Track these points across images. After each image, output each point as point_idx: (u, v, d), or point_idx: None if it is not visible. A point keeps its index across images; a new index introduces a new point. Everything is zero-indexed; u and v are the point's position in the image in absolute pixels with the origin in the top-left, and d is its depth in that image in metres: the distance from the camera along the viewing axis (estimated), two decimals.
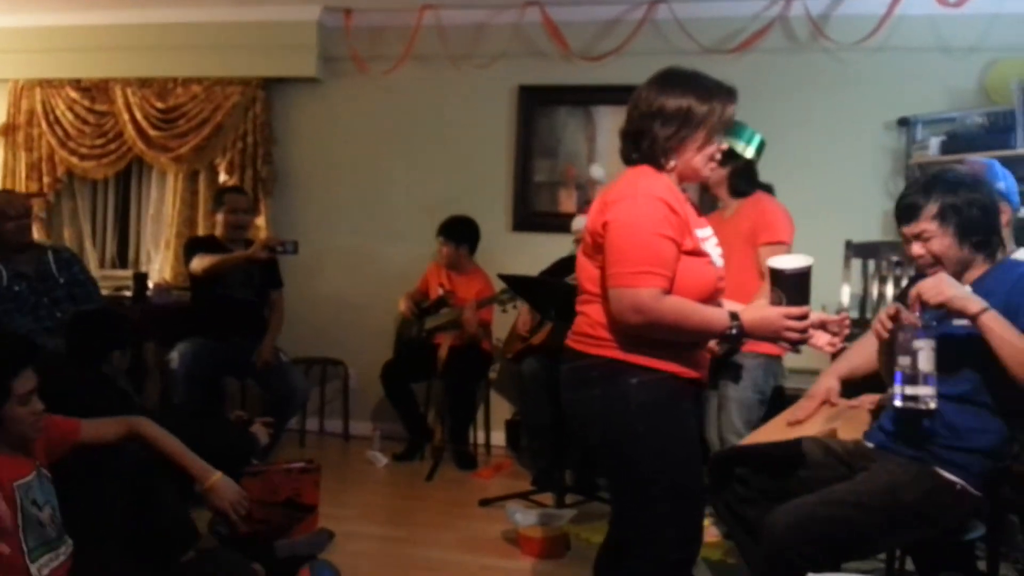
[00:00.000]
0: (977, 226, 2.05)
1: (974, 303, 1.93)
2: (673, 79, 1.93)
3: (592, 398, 1.92)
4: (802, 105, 4.45)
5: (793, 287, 1.89)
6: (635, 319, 1.81)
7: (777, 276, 1.91)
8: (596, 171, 4.84)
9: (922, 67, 4.38)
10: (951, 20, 4.28)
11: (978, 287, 2.04)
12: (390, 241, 5.09)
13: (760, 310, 1.90)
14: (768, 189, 3.34)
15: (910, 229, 2.10)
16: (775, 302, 1.90)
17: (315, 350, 5.02)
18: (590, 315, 1.94)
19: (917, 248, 2.10)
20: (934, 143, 4.10)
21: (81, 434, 2.27)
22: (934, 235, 2.06)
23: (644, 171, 1.92)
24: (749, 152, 3.20)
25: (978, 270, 2.10)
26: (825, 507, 1.95)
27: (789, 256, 1.96)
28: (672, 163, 1.92)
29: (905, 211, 2.11)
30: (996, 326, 1.91)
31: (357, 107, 5.12)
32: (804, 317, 1.87)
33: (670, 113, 1.88)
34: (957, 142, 4.00)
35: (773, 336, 1.90)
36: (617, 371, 1.88)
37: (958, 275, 2.06)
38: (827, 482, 2.06)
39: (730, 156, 3.06)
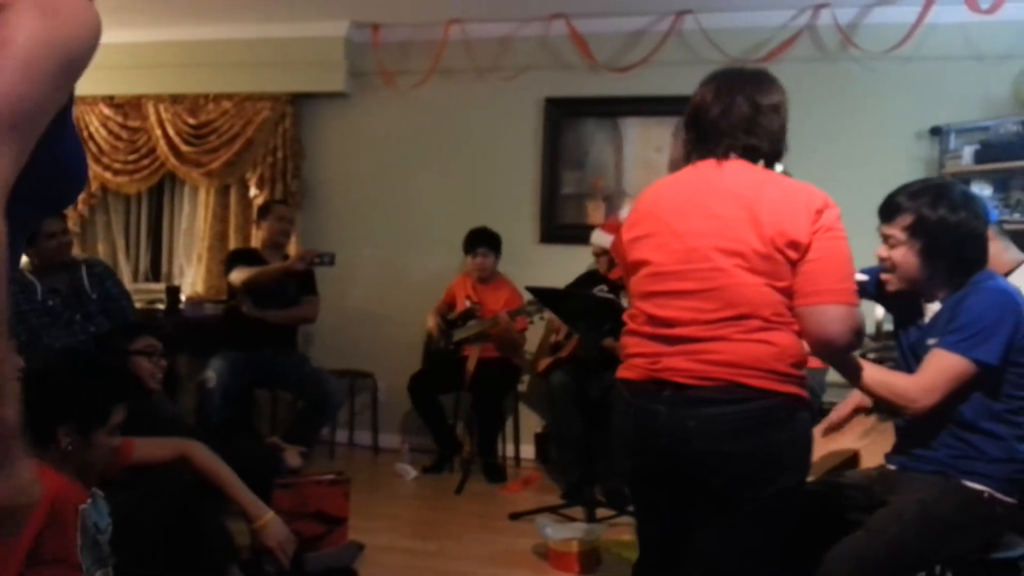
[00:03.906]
0: (944, 250, 2.03)
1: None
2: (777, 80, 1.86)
3: (780, 444, 1.68)
4: (832, 115, 4.42)
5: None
6: (848, 340, 1.69)
7: None
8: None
9: (954, 75, 4.33)
10: (984, 27, 4.23)
11: (948, 303, 2.05)
12: (418, 254, 5.11)
13: None
14: None
15: (882, 228, 2.11)
16: None
17: (344, 362, 5.04)
18: (779, 345, 1.67)
19: (882, 251, 2.11)
20: (967, 152, 4.04)
21: (134, 455, 2.30)
22: (899, 244, 2.06)
23: (790, 178, 1.82)
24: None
25: (945, 289, 2.08)
26: (874, 541, 1.93)
27: None
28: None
29: (884, 209, 2.11)
30: (871, 375, 1.98)
31: (385, 121, 5.16)
32: None
33: (785, 116, 1.84)
34: (991, 151, 3.94)
35: None
36: (795, 408, 1.70)
37: (922, 289, 2.09)
38: (860, 510, 2.05)
39: None
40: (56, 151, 1.01)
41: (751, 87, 1.82)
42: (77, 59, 0.96)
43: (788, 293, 1.70)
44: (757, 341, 1.67)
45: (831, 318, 1.66)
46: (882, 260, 2.12)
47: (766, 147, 1.80)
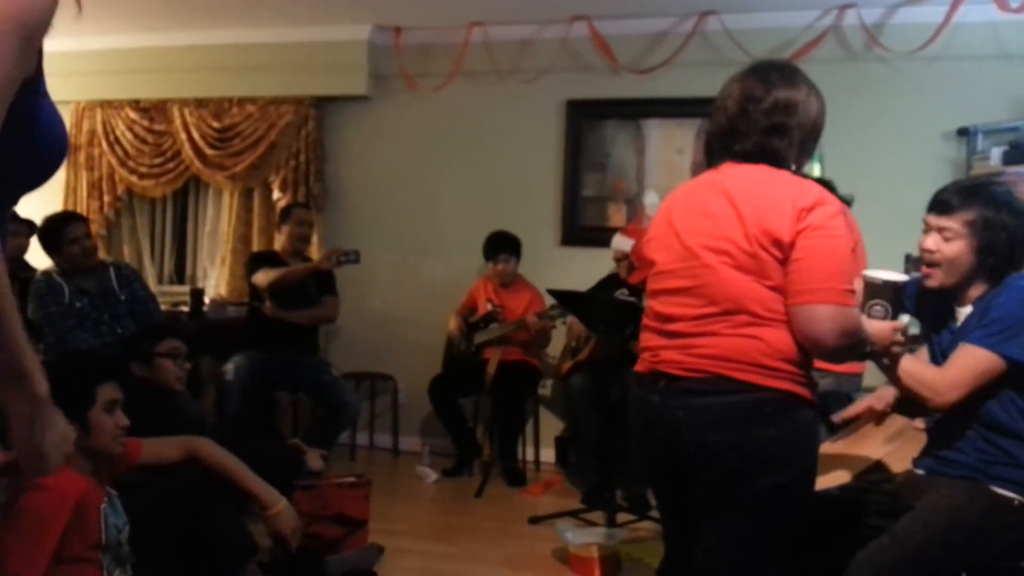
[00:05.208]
0: (998, 250, 2.00)
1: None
2: (803, 76, 1.81)
3: (767, 439, 1.68)
4: (858, 116, 4.36)
5: (896, 300, 1.89)
6: (838, 342, 1.64)
7: (885, 289, 1.89)
8: (651, 197, 4.63)
9: (982, 75, 4.27)
10: (1013, 26, 4.16)
11: (979, 305, 2.02)
12: (439, 256, 5.12)
13: (871, 324, 1.84)
14: (846, 201, 3.19)
15: (938, 221, 2.04)
16: (880, 315, 1.86)
17: (365, 365, 5.06)
18: (767, 341, 1.67)
19: (932, 241, 2.04)
20: (996, 153, 3.98)
21: (142, 454, 2.31)
22: (957, 238, 2.01)
23: (794, 176, 1.77)
24: (815, 170, 3.04)
25: (978, 289, 2.05)
26: (899, 547, 1.91)
27: (879, 270, 1.94)
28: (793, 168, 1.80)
29: (940, 204, 2.06)
30: (903, 364, 1.94)
31: (407, 124, 5.17)
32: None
33: (816, 117, 1.79)
34: (1020, 152, 3.87)
35: (883, 351, 1.87)
36: (789, 406, 1.69)
37: (958, 287, 2.04)
38: (883, 516, 2.02)
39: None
40: (31, 119, 1.04)
41: (742, 87, 1.80)
42: (37, 27, 1.01)
43: (781, 291, 1.69)
44: (745, 336, 1.68)
45: (816, 317, 1.63)
46: (929, 252, 2.05)
47: (751, 147, 1.78)
